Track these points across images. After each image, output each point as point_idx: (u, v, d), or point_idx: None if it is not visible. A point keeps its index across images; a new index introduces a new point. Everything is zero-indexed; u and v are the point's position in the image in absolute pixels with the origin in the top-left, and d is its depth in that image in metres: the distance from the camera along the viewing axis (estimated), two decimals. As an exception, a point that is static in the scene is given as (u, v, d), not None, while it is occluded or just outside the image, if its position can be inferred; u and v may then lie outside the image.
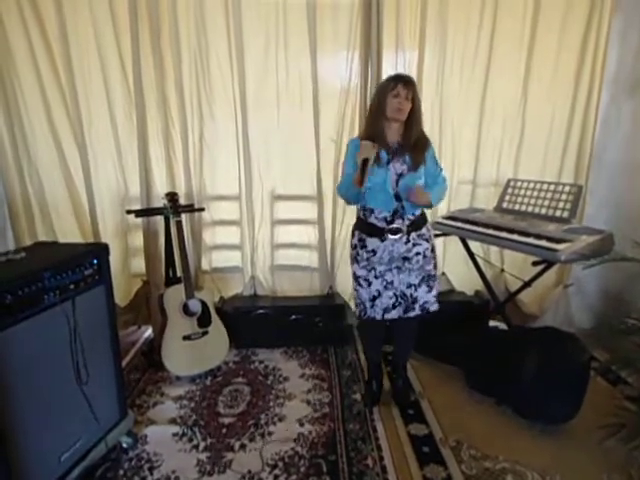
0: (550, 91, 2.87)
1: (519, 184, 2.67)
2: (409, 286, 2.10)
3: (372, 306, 2.14)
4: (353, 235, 2.18)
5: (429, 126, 2.90)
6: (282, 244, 3.15)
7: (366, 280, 2.12)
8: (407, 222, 2.04)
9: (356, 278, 2.16)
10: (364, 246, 2.10)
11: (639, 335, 1.78)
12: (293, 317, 2.92)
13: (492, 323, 2.92)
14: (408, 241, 2.06)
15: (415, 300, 2.11)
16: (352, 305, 2.28)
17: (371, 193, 2.01)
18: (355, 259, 2.15)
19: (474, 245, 2.72)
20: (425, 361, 2.76)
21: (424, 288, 2.11)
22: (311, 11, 2.70)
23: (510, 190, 2.71)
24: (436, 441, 2.07)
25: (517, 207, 2.62)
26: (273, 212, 3.09)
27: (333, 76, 2.85)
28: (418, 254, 2.08)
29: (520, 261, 2.88)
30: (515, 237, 2.26)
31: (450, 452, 2.00)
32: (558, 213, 2.43)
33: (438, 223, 2.65)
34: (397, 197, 2.01)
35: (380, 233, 2.05)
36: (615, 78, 2.76)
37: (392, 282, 2.09)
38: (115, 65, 2.75)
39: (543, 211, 2.49)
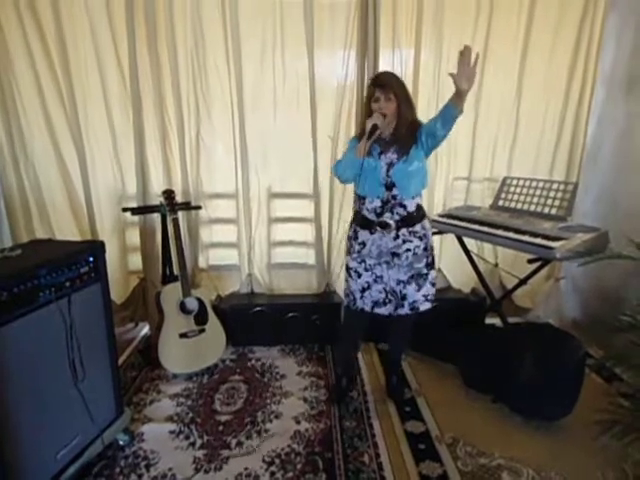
0: (544, 89, 2.88)
1: (515, 182, 2.68)
2: (398, 282, 2.11)
3: (361, 297, 2.17)
4: (350, 227, 2.23)
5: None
6: (279, 242, 3.15)
7: (356, 272, 2.16)
8: (396, 217, 2.04)
9: (347, 269, 2.21)
10: (356, 237, 2.15)
11: (633, 332, 1.78)
12: (290, 315, 2.92)
13: (488, 320, 2.93)
14: (397, 237, 2.07)
15: (404, 297, 2.12)
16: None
17: (363, 178, 2.02)
18: (348, 251, 2.21)
19: (468, 241, 2.73)
20: (422, 359, 2.77)
21: (413, 286, 2.11)
22: (308, 10, 2.70)
23: (506, 188, 2.71)
24: (432, 438, 2.08)
25: (513, 205, 2.63)
26: (270, 210, 3.09)
27: (330, 74, 2.85)
28: (408, 250, 2.08)
29: (512, 256, 2.91)
30: (511, 235, 2.27)
31: (446, 449, 2.01)
32: (554, 211, 2.43)
33: (434, 221, 2.66)
34: (388, 187, 2.02)
35: (370, 225, 2.08)
36: (611, 76, 2.77)
37: (381, 276, 2.12)
38: (112, 62, 2.74)
39: (539, 209, 2.50)
